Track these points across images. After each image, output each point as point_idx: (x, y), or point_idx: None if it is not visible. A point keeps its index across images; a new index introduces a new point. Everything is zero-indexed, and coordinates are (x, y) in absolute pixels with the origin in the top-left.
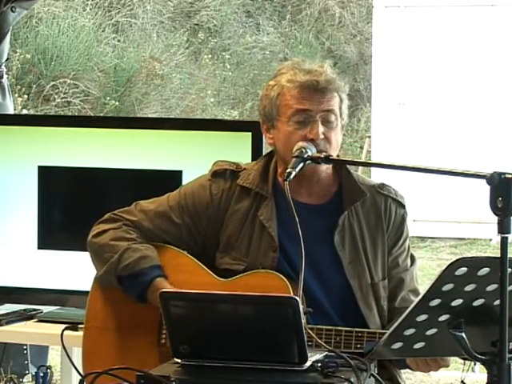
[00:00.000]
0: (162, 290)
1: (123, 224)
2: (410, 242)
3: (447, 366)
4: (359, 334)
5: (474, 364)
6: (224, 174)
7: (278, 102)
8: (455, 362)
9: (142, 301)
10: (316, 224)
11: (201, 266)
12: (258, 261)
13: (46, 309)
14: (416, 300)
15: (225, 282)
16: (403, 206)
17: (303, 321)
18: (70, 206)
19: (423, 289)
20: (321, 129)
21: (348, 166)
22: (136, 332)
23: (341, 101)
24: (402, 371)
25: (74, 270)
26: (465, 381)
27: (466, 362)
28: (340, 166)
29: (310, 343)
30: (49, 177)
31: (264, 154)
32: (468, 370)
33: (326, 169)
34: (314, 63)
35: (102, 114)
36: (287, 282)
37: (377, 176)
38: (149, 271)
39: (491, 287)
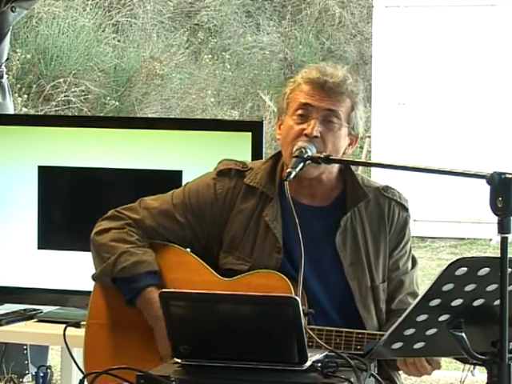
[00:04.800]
0: (162, 290)
1: (126, 224)
2: (411, 245)
3: (439, 368)
4: (359, 336)
5: (474, 368)
6: (229, 173)
7: (289, 96)
8: (455, 361)
9: (131, 305)
10: (318, 225)
11: (204, 264)
12: (262, 261)
13: (45, 309)
14: (416, 300)
15: (227, 282)
16: (406, 210)
17: (303, 321)
18: (70, 206)
19: (423, 289)
20: (318, 127)
21: (351, 167)
22: (137, 329)
23: (352, 108)
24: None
25: (74, 270)
26: (465, 382)
27: (465, 365)
28: (345, 168)
29: (310, 343)
30: (49, 177)
31: (269, 154)
32: (468, 370)
33: (320, 172)
34: (336, 67)
35: (102, 114)
36: (289, 283)
37: (377, 176)
38: (143, 277)
39: (491, 287)
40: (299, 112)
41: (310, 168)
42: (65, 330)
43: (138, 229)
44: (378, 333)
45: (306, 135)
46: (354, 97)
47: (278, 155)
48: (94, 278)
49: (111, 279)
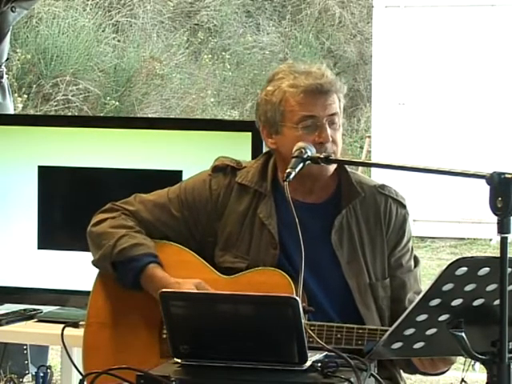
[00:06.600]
0: (162, 290)
1: (122, 213)
2: (412, 243)
3: (453, 363)
4: (360, 331)
5: (474, 362)
6: (225, 169)
7: (281, 108)
8: (456, 361)
9: (137, 288)
10: (314, 223)
11: (203, 262)
12: (259, 258)
13: (45, 309)
14: (416, 300)
15: (227, 279)
16: (404, 207)
17: (303, 320)
18: (70, 206)
19: (423, 289)
20: (329, 132)
21: (347, 165)
22: (137, 327)
23: (339, 101)
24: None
25: (74, 270)
26: (465, 380)
27: (466, 360)
28: (339, 165)
29: (311, 339)
30: (49, 177)
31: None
32: (468, 369)
33: (333, 169)
34: (309, 65)
35: (102, 114)
36: (290, 280)
37: (377, 176)
38: (142, 258)
39: (491, 287)
40: (304, 124)
41: (329, 166)
42: (63, 331)
43: (134, 219)
44: (379, 328)
45: (321, 143)
46: (340, 91)
47: (268, 153)
48: (93, 263)
49: (111, 264)
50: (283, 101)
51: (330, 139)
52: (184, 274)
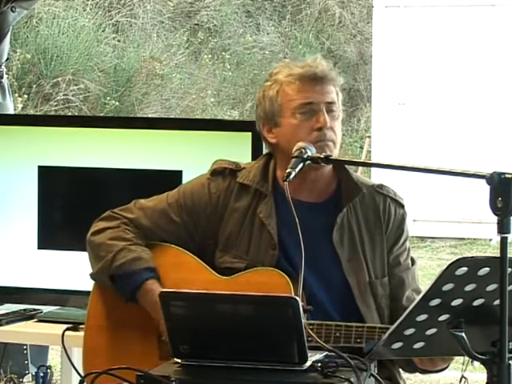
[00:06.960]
0: (162, 290)
1: (122, 223)
2: (410, 244)
3: (452, 359)
4: (359, 329)
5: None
6: (223, 172)
7: (278, 98)
8: (455, 361)
9: (133, 302)
10: (315, 223)
11: (202, 264)
12: (258, 258)
13: (45, 309)
14: (416, 300)
15: (226, 280)
16: (402, 206)
17: (303, 320)
18: (70, 206)
19: (423, 289)
20: (327, 117)
21: (347, 166)
22: (136, 329)
23: (337, 93)
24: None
25: (74, 270)
26: (465, 376)
27: (465, 358)
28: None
29: (309, 339)
30: (49, 177)
31: (264, 153)
32: (466, 367)
33: (328, 169)
34: (313, 59)
35: (102, 114)
36: (288, 280)
37: (377, 176)
38: (141, 272)
39: (491, 287)
40: (302, 110)
41: (324, 167)
42: (63, 335)
43: (133, 228)
44: (378, 326)
45: (319, 129)
46: (337, 82)
47: (269, 154)
48: (92, 276)
49: (109, 277)
50: (280, 91)
51: (329, 125)
52: (183, 275)
